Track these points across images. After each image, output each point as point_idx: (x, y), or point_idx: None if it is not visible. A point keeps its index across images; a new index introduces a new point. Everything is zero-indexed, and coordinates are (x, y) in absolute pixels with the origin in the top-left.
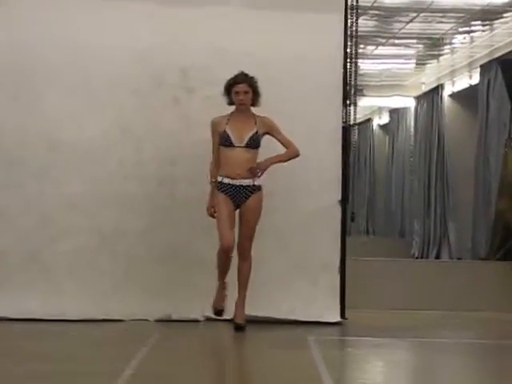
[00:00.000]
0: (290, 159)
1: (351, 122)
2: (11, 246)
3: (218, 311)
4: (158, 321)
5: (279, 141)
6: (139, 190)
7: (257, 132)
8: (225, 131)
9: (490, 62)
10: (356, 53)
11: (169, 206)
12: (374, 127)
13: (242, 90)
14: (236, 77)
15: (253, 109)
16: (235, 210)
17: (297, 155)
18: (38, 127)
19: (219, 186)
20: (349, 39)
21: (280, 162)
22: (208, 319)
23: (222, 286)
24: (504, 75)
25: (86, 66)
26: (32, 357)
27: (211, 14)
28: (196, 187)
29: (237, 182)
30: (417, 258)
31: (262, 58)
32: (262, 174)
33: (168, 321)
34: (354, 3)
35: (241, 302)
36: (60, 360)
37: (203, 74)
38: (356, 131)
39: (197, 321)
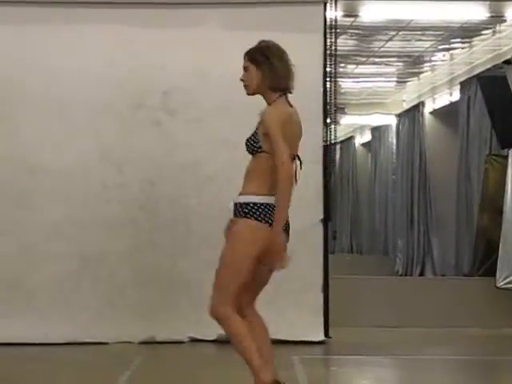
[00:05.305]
0: (285, 196)
1: (332, 141)
2: None
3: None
4: (141, 343)
5: None
6: (121, 213)
7: (256, 130)
8: None
9: (469, 78)
10: (335, 72)
11: (151, 228)
12: (356, 145)
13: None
14: None
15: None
16: None
17: (287, 184)
18: (16, 153)
19: None
20: (328, 58)
21: (282, 212)
22: (192, 340)
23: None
24: (483, 92)
25: (64, 91)
26: (16, 382)
27: (189, 36)
28: (177, 209)
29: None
30: (401, 275)
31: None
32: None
33: (152, 343)
34: (333, 23)
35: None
36: None
37: (184, 96)
38: (337, 150)
39: (181, 342)
